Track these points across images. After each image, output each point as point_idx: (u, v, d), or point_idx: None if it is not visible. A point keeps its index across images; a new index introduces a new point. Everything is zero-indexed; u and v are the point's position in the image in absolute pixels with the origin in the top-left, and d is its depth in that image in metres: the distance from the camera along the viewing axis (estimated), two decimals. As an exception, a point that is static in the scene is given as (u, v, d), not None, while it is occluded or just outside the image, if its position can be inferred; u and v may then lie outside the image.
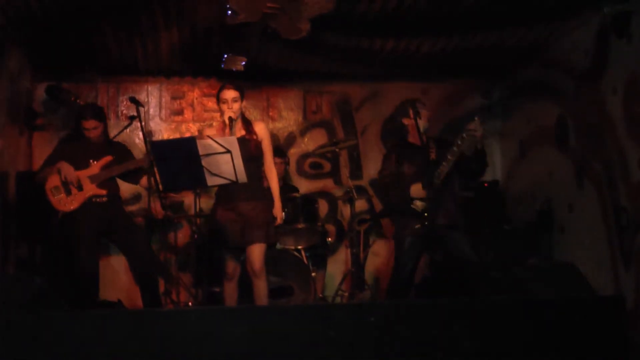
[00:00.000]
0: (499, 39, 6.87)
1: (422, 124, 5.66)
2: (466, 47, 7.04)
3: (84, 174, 5.94)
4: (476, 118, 5.58)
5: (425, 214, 5.54)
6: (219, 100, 5.40)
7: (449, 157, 5.49)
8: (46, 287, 4.69)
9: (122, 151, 6.28)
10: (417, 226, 5.58)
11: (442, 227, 5.63)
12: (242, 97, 5.39)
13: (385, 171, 5.93)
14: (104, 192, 5.97)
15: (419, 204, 5.58)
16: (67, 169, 5.89)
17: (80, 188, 5.91)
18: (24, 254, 6.94)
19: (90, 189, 5.93)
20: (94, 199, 5.95)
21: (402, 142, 5.95)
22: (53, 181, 5.90)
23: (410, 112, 5.69)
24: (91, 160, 6.00)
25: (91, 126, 6.03)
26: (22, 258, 6.91)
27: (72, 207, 5.89)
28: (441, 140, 5.86)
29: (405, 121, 5.84)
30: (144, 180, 6.11)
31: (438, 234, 5.67)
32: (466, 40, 6.89)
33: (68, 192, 5.89)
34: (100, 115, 6.16)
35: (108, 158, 6.03)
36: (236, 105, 5.33)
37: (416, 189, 5.61)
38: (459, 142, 5.43)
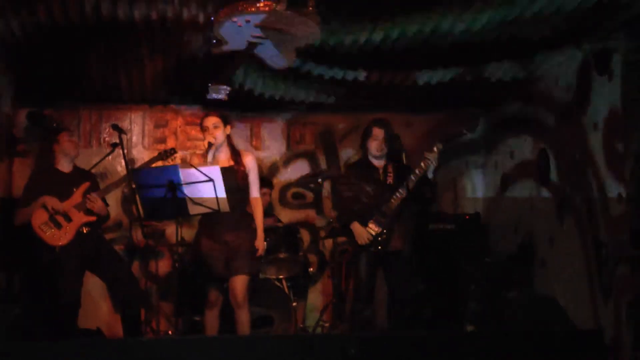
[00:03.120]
0: (482, 74, 6.91)
1: (378, 147, 5.82)
2: (450, 81, 7.08)
3: (68, 204, 5.82)
4: (435, 148, 5.65)
5: (380, 239, 5.67)
6: (202, 128, 5.45)
7: (406, 184, 5.62)
8: (24, 316, 4.65)
9: (91, 177, 6.20)
10: (371, 249, 5.71)
11: (391, 252, 5.73)
12: (226, 123, 5.43)
13: (343, 186, 5.96)
14: (93, 218, 5.88)
15: (373, 229, 5.67)
16: (52, 202, 5.77)
17: (68, 219, 5.79)
18: (1, 282, 6.81)
19: (80, 218, 5.82)
20: (79, 229, 5.84)
21: (363, 162, 6.02)
22: (40, 218, 5.75)
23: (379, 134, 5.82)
24: (73, 188, 5.90)
25: (69, 137, 6.05)
26: (-1, 287, 6.81)
27: (66, 240, 5.75)
28: (401, 166, 5.94)
29: (368, 142, 5.92)
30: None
31: (387, 258, 5.77)
32: (450, 74, 6.93)
33: (58, 226, 5.76)
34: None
35: (86, 184, 5.96)
36: (217, 132, 5.37)
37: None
38: (417, 172, 5.63)
